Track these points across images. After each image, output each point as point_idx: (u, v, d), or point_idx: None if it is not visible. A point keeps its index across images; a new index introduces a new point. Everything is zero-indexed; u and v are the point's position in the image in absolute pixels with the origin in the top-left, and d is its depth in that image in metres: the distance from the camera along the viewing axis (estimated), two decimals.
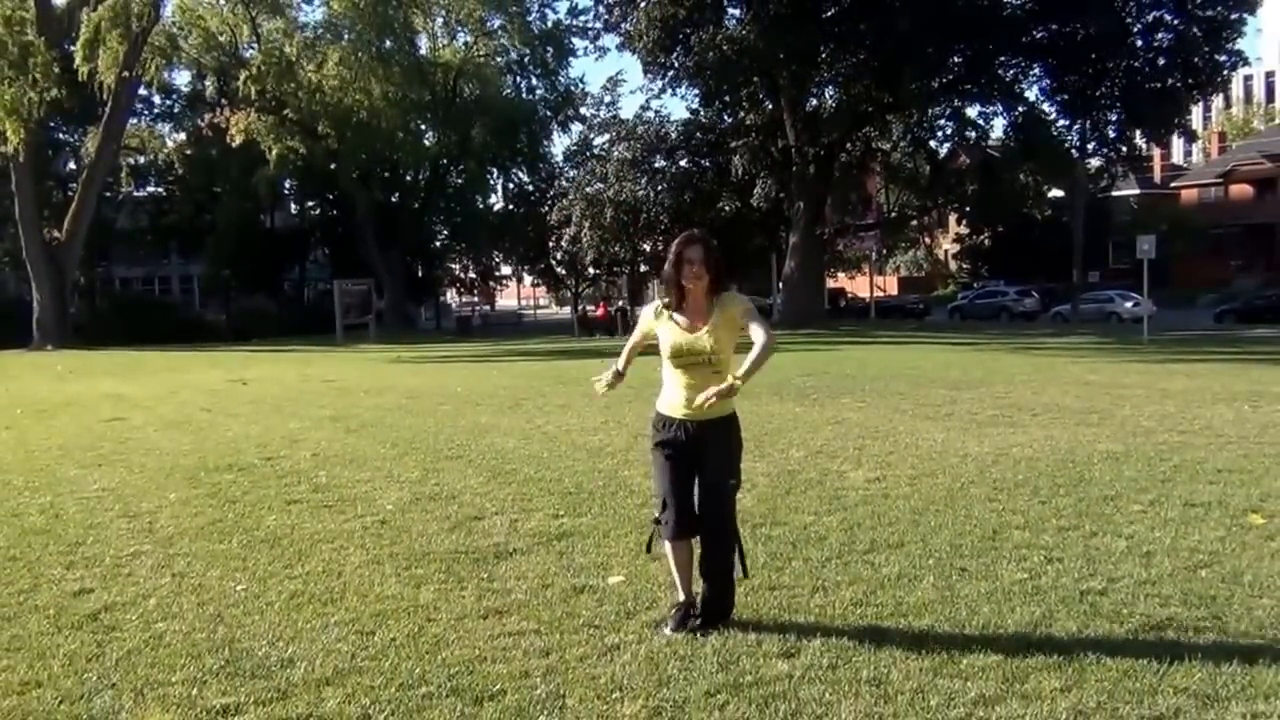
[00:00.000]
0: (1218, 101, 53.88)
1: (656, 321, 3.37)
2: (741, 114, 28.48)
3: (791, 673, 2.93)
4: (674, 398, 3.33)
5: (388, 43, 33.84)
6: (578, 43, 36.64)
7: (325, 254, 45.36)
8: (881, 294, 42.75)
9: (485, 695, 2.84)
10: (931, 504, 5.05)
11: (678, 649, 3.14)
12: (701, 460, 3.29)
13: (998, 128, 29.60)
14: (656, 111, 31.81)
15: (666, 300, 3.35)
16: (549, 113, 39.16)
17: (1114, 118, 25.87)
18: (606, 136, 33.74)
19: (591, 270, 38.40)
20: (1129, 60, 24.62)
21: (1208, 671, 2.84)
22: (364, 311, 33.26)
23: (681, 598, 3.36)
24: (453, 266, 46.62)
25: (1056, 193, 33.92)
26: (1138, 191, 46.54)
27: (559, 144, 57.10)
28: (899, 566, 3.95)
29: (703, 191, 29.93)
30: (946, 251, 52.76)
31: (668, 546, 3.39)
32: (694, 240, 3.31)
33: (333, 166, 34.25)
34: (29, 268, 30.46)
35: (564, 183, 34.76)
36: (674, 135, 30.53)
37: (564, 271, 40.72)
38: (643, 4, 25.66)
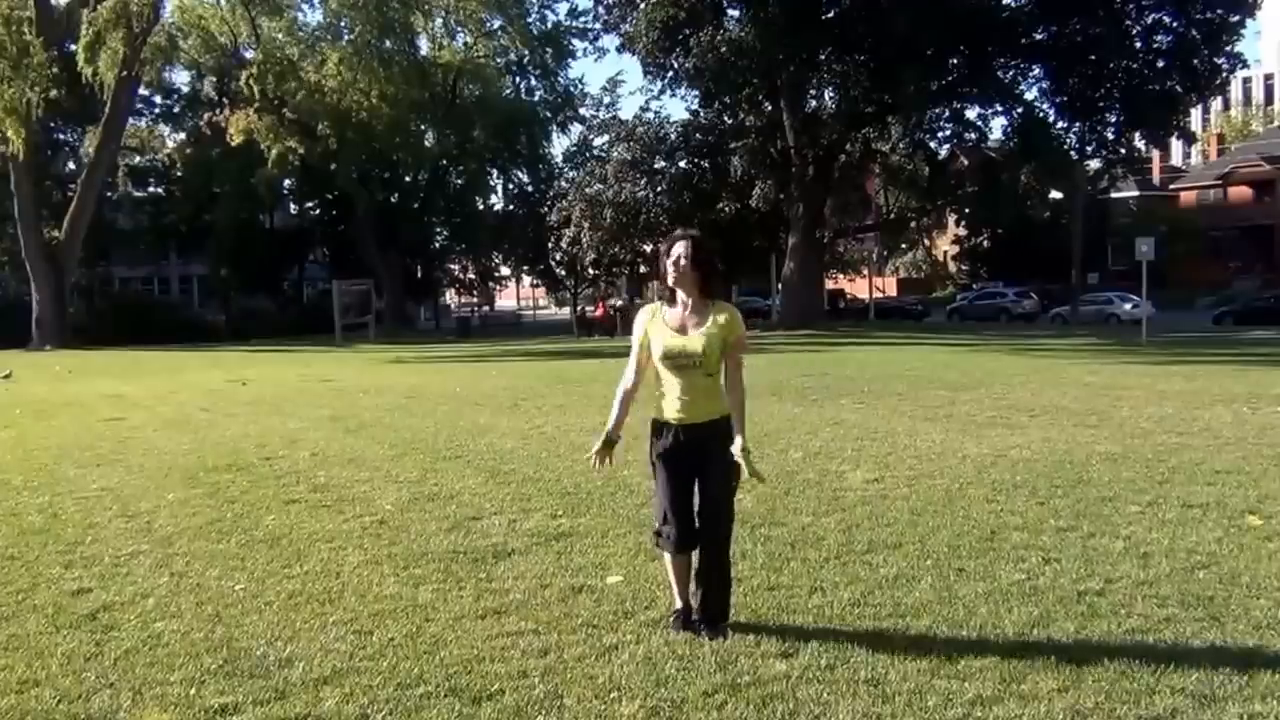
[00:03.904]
0: (1216, 104, 53.98)
1: (651, 323, 3.36)
2: (741, 115, 28.48)
3: (789, 673, 2.93)
4: (668, 402, 3.31)
5: (388, 43, 33.85)
6: (577, 44, 36.73)
7: (325, 254, 45.36)
8: (881, 295, 42.77)
9: (483, 695, 2.84)
10: (930, 505, 5.06)
11: (676, 649, 3.15)
12: (701, 466, 3.27)
13: (997, 129, 29.68)
14: (656, 112, 31.88)
15: (660, 301, 3.37)
16: (549, 113, 39.19)
17: (1113, 119, 25.88)
18: (606, 137, 33.76)
19: (591, 271, 38.39)
20: (1128, 62, 24.63)
21: (1205, 672, 2.84)
22: (363, 312, 33.25)
23: (679, 605, 3.36)
24: (452, 267, 46.62)
25: (1056, 194, 33.94)
26: (1137, 193, 46.60)
27: (559, 145, 57.14)
28: (897, 567, 3.96)
29: (702, 193, 29.92)
30: (946, 253, 52.81)
31: (667, 557, 3.39)
32: (681, 238, 3.31)
33: (332, 167, 34.26)
34: (28, 268, 30.45)
35: (563, 183, 34.75)
36: (673, 136, 30.53)
37: (563, 272, 40.72)
38: (642, 5, 25.68)
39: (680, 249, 3.25)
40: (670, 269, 3.25)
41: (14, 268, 35.15)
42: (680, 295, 3.29)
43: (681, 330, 3.25)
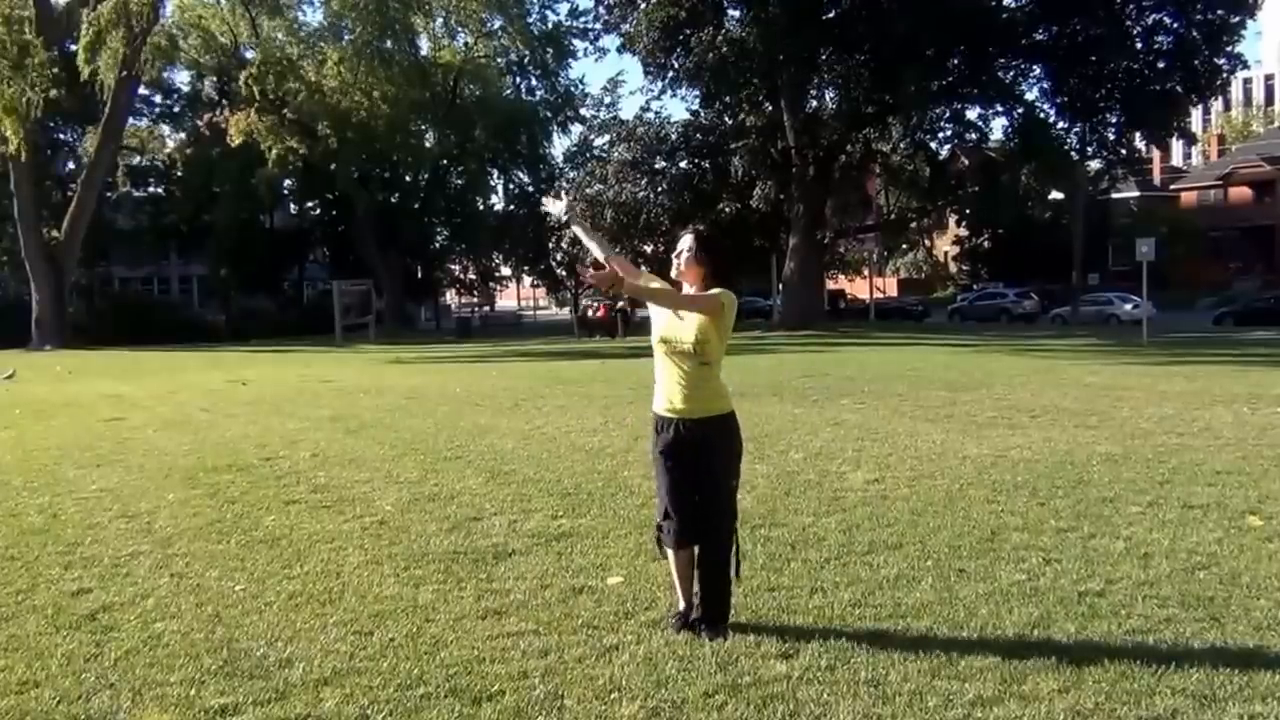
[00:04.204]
0: (1217, 104, 53.98)
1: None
2: (741, 115, 28.51)
3: (790, 674, 2.93)
4: (666, 395, 3.32)
5: (388, 43, 33.86)
6: (578, 44, 36.71)
7: (325, 254, 45.36)
8: (881, 296, 42.79)
9: (483, 696, 2.84)
10: (930, 505, 5.06)
11: (676, 649, 3.14)
12: (702, 462, 3.27)
13: (997, 129, 29.69)
14: (656, 113, 31.96)
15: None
16: (549, 114, 39.19)
17: (1114, 120, 25.89)
18: (606, 138, 33.84)
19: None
20: (1128, 63, 24.63)
21: (1205, 673, 2.84)
22: (363, 312, 33.25)
23: (681, 605, 3.36)
24: (452, 267, 46.63)
25: (1056, 195, 33.99)
26: (1137, 194, 46.64)
27: (559, 145, 57.15)
28: (897, 568, 3.95)
29: (702, 193, 29.97)
30: (946, 253, 52.84)
31: (669, 553, 3.39)
32: (688, 231, 3.37)
33: (332, 167, 34.27)
34: (28, 268, 30.45)
35: (564, 184, 34.81)
36: (674, 137, 30.59)
37: (564, 273, 40.74)
38: (643, 5, 25.69)
39: (685, 243, 3.30)
40: (674, 260, 3.32)
41: (14, 268, 35.14)
42: (685, 287, 3.34)
43: (680, 317, 3.27)
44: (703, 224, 3.85)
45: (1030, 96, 26.99)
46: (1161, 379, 11.49)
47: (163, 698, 2.89)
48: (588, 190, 30.34)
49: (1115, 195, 41.27)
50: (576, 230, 3.60)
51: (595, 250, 3.59)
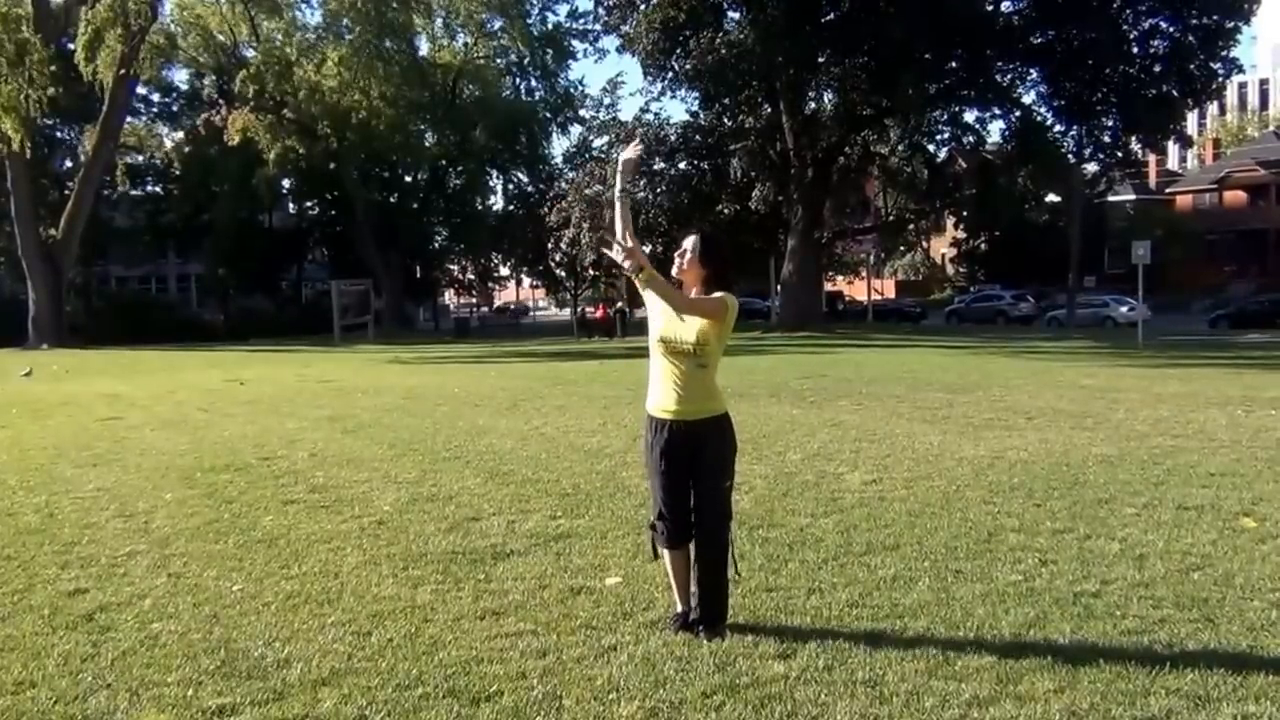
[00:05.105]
0: (1213, 108, 54.16)
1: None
2: (740, 117, 28.52)
3: (787, 674, 2.94)
4: (661, 396, 3.32)
5: (387, 43, 33.87)
6: (577, 45, 36.81)
7: (323, 254, 45.35)
8: (879, 297, 42.86)
9: (482, 696, 2.85)
10: (927, 506, 5.07)
11: (674, 650, 3.15)
12: (696, 463, 3.28)
13: (995, 132, 29.70)
14: (656, 114, 31.97)
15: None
16: (549, 114, 39.24)
17: (1110, 123, 25.97)
18: (606, 138, 33.82)
19: (591, 272, 38.44)
20: (1125, 67, 24.72)
21: (1200, 673, 2.86)
22: (362, 312, 33.24)
23: (680, 608, 3.37)
24: (451, 267, 46.62)
25: (1053, 198, 34.08)
26: (1133, 197, 46.80)
27: (558, 145, 57.34)
28: (895, 568, 3.97)
29: (701, 194, 29.95)
30: (943, 255, 52.94)
31: (665, 554, 3.40)
32: (693, 232, 3.38)
33: (332, 166, 34.28)
34: (25, 266, 30.40)
35: (563, 184, 34.78)
36: (673, 138, 30.56)
37: (563, 273, 40.73)
38: (642, 7, 25.73)
39: (689, 243, 3.31)
40: (677, 259, 3.32)
41: (10, 266, 35.09)
42: (686, 287, 3.34)
43: (681, 317, 3.27)
44: (706, 226, 3.86)
45: (1027, 100, 27.10)
46: (1157, 381, 11.52)
47: (160, 698, 2.89)
48: (587, 191, 30.30)
49: (1112, 198, 41.39)
50: (619, 203, 3.40)
51: (620, 229, 3.43)
